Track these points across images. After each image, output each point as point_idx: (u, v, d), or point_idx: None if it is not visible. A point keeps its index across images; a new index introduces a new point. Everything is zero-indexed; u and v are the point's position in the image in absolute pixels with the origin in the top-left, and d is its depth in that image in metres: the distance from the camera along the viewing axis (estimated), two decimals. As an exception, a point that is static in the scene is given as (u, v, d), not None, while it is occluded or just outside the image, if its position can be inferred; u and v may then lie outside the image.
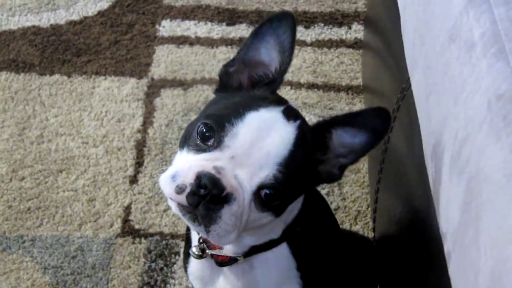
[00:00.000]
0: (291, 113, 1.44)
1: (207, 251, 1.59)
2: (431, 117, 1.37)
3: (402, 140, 1.85)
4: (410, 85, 1.72)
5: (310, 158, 1.45)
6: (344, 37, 3.13)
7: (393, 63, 2.02)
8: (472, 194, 1.11)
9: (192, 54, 3.06)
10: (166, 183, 1.39)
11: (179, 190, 1.36)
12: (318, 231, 1.70)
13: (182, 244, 2.43)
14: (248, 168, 1.37)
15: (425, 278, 1.51)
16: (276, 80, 1.51)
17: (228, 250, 1.56)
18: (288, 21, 1.49)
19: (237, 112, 1.39)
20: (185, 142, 1.46)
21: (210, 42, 3.10)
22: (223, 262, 1.60)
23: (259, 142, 1.37)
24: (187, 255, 1.71)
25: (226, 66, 1.55)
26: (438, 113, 1.32)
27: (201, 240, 1.60)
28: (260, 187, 1.38)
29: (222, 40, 3.11)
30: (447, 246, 1.23)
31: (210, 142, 1.40)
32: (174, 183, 1.37)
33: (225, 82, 1.55)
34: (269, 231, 1.53)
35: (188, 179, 1.36)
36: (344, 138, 1.46)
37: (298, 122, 1.43)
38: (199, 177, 1.35)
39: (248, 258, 1.58)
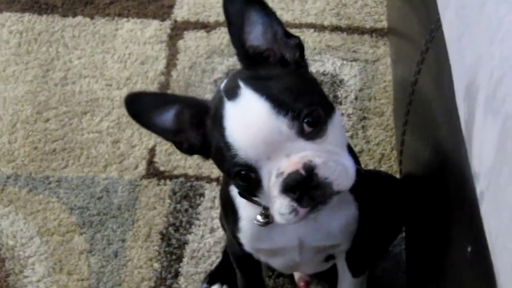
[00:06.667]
0: (229, 90, 1.44)
1: None
2: (464, 58, 1.35)
3: (430, 82, 1.84)
4: (439, 26, 1.70)
5: (276, 70, 1.46)
6: (368, -21, 3.09)
7: (421, 4, 2.00)
8: (508, 133, 1.10)
9: (215, -5, 3.04)
10: (284, 218, 1.41)
11: (295, 211, 1.39)
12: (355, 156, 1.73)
13: (207, 186, 2.45)
14: (282, 143, 1.37)
15: (455, 219, 1.51)
16: (199, 113, 1.50)
17: None
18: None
19: (225, 146, 1.39)
20: (252, 195, 1.49)
21: (233, -16, 3.07)
22: None
23: (256, 131, 1.36)
24: (233, 223, 1.72)
25: (180, 149, 1.54)
26: (472, 53, 1.30)
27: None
28: (302, 128, 1.38)
29: (246, -18, 3.08)
30: (480, 186, 1.22)
31: (253, 175, 1.40)
32: (286, 215, 1.40)
33: (196, 151, 1.54)
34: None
35: (286, 203, 1.38)
36: (254, 32, 1.46)
37: (238, 83, 1.42)
38: (287, 190, 1.37)
39: None
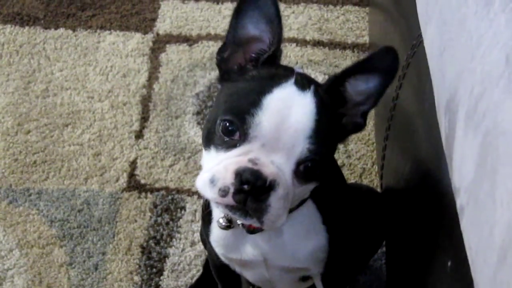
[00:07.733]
0: (302, 82, 1.43)
1: (237, 221, 1.60)
2: (445, 73, 1.37)
3: (412, 97, 1.85)
4: (420, 41, 1.71)
5: (333, 117, 1.45)
6: (350, -6, 3.11)
7: (403, 20, 2.02)
8: (488, 148, 1.11)
9: (197, 9, 3.05)
10: (206, 188, 1.40)
11: (223, 193, 1.37)
12: (335, 185, 1.72)
13: (188, 199, 2.45)
14: (282, 151, 1.37)
15: (435, 233, 1.52)
16: (275, 52, 1.48)
17: None
18: None
19: (253, 100, 1.38)
20: (209, 141, 1.45)
21: (215, -2, 3.09)
22: (254, 229, 1.61)
23: (284, 123, 1.36)
24: (207, 224, 1.72)
25: (219, 53, 1.52)
26: (453, 69, 1.32)
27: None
28: (298, 164, 1.39)
29: (228, -4, 3.10)
30: (460, 200, 1.23)
31: (236, 136, 1.39)
32: (215, 187, 1.38)
33: (225, 69, 1.52)
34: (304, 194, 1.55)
35: (228, 179, 1.37)
36: (358, 86, 1.46)
37: (312, 88, 1.42)
38: (239, 174, 1.36)
39: None
